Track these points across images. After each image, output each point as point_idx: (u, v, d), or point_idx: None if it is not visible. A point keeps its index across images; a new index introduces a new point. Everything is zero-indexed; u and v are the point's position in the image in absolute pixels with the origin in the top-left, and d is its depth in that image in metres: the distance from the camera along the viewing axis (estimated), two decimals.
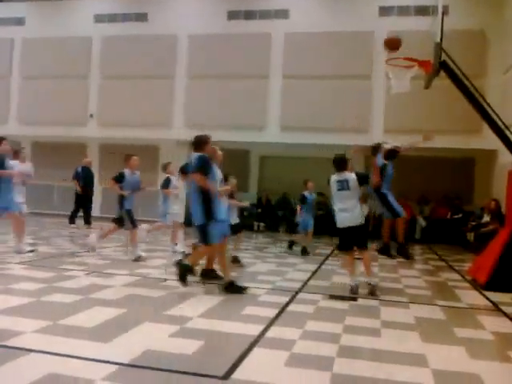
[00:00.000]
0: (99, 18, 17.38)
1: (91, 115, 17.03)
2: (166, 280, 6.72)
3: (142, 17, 16.99)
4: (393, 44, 8.40)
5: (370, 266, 6.69)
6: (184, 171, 7.56)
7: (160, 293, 5.97)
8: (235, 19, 16.16)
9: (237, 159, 16.60)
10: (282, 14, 15.89)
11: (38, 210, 17.30)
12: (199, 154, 6.22)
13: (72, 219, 14.26)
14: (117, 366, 3.48)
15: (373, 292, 6.38)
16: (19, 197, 9.32)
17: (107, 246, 9.69)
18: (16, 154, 10.10)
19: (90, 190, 14.42)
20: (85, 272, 7.05)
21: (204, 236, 6.11)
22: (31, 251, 8.36)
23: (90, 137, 17.18)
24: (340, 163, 6.61)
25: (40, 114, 17.13)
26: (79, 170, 14.41)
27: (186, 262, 6.28)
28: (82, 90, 17.20)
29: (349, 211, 6.49)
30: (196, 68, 16.26)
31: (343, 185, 6.52)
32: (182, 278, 6.05)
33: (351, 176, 6.53)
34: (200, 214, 6.06)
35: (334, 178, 6.61)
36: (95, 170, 17.54)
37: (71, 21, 17.52)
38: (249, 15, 16.16)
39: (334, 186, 6.60)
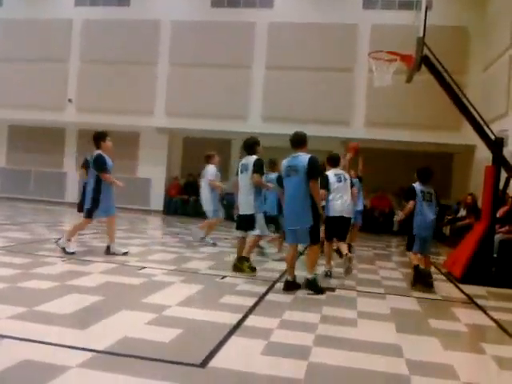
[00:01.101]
0: (80, 1, 17.04)
1: (70, 100, 16.73)
2: (143, 268, 6.68)
3: (124, 1, 16.70)
4: (354, 149, 8.59)
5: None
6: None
7: (137, 280, 5.93)
8: (219, 7, 16.00)
9: (218, 148, 16.54)
10: (267, 3, 15.80)
11: (14, 195, 17.06)
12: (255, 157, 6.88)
13: (81, 208, 13.81)
14: (93, 353, 3.46)
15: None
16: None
17: (85, 233, 9.59)
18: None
19: None
20: (62, 258, 6.97)
21: (316, 236, 5.92)
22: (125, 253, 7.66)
23: (68, 122, 16.89)
24: (336, 160, 7.40)
25: (16, 97, 16.73)
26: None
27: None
28: (60, 74, 16.86)
29: (344, 202, 7.07)
30: (178, 55, 16.08)
31: (340, 178, 7.16)
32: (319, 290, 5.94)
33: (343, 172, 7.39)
34: (308, 216, 5.81)
35: (332, 172, 7.20)
36: (72, 155, 17.36)
37: (51, 2, 17.16)
38: (232, 3, 16.03)
39: (333, 180, 7.10)
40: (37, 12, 16.96)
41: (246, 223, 7.02)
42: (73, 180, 17.28)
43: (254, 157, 7.04)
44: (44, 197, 17.17)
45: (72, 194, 17.27)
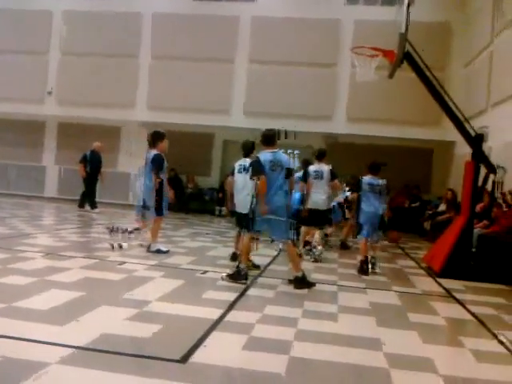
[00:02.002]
0: None
1: (49, 92, 16.46)
2: (124, 263, 6.63)
3: None
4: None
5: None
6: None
7: (118, 276, 5.89)
8: (201, 0, 15.87)
9: (201, 143, 16.50)
10: None
11: None
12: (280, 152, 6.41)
13: (82, 203, 13.69)
14: (72, 349, 3.42)
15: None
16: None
17: (64, 228, 9.49)
18: None
19: (97, 174, 13.81)
20: (41, 254, 6.88)
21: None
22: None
23: (48, 114, 16.63)
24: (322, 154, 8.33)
25: None
26: (88, 153, 13.78)
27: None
28: (40, 66, 16.57)
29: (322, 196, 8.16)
30: (160, 48, 15.90)
31: (318, 174, 8.11)
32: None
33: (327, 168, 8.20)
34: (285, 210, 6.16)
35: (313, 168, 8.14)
36: (52, 149, 17.13)
37: None
38: None
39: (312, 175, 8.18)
40: (16, 3, 16.62)
41: (243, 221, 6.82)
42: (52, 174, 17.07)
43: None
44: (23, 191, 16.91)
45: (51, 188, 17.07)
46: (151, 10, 15.96)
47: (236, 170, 7.16)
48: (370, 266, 7.39)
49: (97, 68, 15.94)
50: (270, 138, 6.35)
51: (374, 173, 7.77)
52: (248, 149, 7.25)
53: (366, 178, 7.75)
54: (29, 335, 3.64)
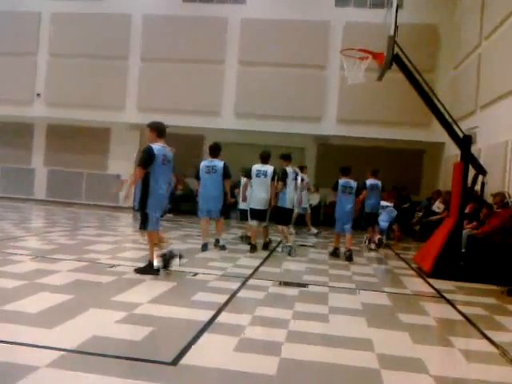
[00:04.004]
0: None
1: (38, 94, 16.36)
2: (114, 266, 6.59)
3: None
4: None
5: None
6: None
7: (108, 278, 5.85)
8: (191, 1, 15.85)
9: (191, 144, 16.45)
10: None
11: None
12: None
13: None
14: (62, 353, 3.39)
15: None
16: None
17: (53, 231, 9.42)
18: None
19: None
20: (30, 256, 6.82)
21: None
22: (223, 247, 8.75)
23: (37, 117, 16.52)
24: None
25: None
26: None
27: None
28: (29, 68, 16.46)
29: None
30: (150, 50, 15.87)
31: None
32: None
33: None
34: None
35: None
36: (41, 152, 17.01)
37: None
38: None
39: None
40: (4, 4, 16.52)
41: (261, 215, 8.88)
42: (41, 176, 16.95)
43: (271, 167, 8.92)
44: (11, 193, 16.78)
45: (40, 190, 16.95)
46: (141, 11, 15.92)
47: (254, 174, 8.81)
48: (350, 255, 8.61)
49: (86, 70, 15.87)
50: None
51: (347, 175, 8.95)
52: (265, 157, 8.96)
53: (341, 180, 8.89)
54: (18, 338, 3.61)
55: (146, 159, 6.04)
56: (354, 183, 8.93)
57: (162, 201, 6.24)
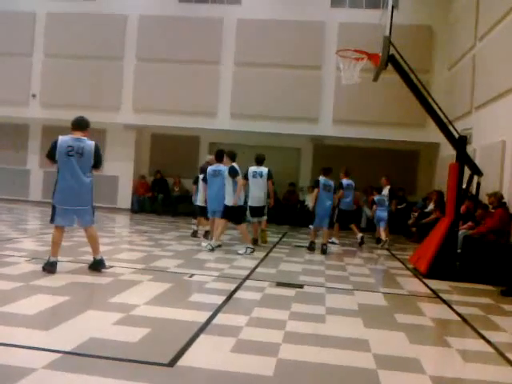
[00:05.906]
0: None
1: (34, 95, 16.29)
2: (110, 267, 6.57)
3: None
4: None
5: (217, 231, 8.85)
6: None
7: (105, 280, 5.84)
8: (187, 2, 15.83)
9: (187, 145, 16.45)
10: None
11: None
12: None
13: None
14: (59, 354, 3.38)
15: None
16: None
17: (49, 232, 9.37)
18: None
19: None
20: (26, 258, 6.80)
21: None
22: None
23: (32, 118, 16.46)
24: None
25: None
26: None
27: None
28: (24, 68, 16.38)
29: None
30: (146, 50, 15.82)
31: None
32: None
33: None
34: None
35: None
36: (36, 152, 16.93)
37: None
38: None
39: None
40: None
41: (260, 212, 9.80)
42: (37, 178, 16.87)
43: (266, 168, 9.79)
44: (6, 195, 16.71)
45: (36, 192, 16.88)
46: (136, 11, 15.87)
47: (251, 175, 9.61)
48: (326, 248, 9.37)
49: (81, 70, 15.80)
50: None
51: (327, 175, 9.68)
52: (261, 160, 9.80)
53: (322, 178, 9.59)
54: (14, 340, 3.60)
55: (48, 150, 6.34)
56: (332, 182, 9.72)
57: (67, 194, 6.00)
